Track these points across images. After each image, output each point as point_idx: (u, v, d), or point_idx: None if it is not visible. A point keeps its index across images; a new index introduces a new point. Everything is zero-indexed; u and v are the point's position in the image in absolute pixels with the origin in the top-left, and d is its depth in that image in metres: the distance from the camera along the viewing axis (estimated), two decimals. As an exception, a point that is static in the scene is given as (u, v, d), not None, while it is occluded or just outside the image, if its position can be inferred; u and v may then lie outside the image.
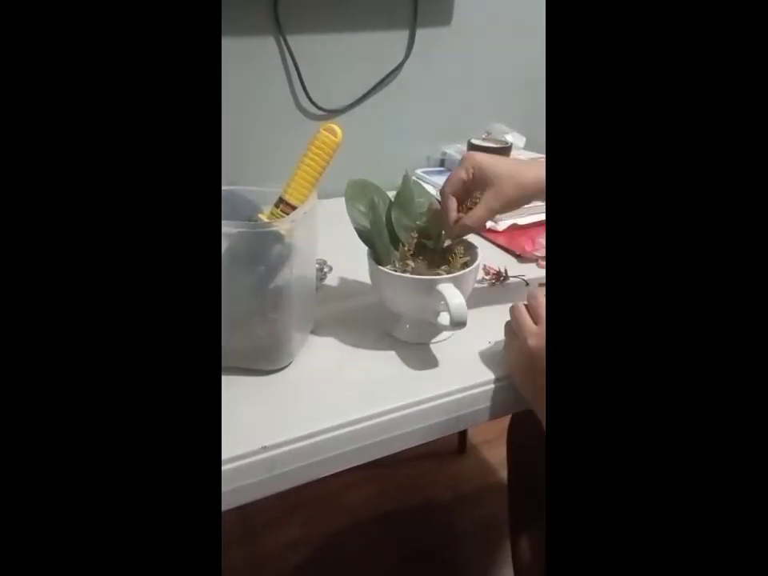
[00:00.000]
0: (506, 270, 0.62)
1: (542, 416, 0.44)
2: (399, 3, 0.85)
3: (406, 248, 0.48)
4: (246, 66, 0.79)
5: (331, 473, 0.43)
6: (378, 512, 1.14)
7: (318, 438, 0.41)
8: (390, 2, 0.84)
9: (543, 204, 0.79)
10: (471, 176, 0.50)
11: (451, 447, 1.29)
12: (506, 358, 0.47)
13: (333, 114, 0.87)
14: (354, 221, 0.49)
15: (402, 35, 0.88)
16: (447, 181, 0.51)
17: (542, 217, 0.78)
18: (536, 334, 0.43)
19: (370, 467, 1.29)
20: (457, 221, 0.50)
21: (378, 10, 0.84)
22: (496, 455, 1.27)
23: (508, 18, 0.94)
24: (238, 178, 0.48)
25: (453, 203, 0.50)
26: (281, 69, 0.82)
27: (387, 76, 0.88)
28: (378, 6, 0.84)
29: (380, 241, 0.48)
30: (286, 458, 0.40)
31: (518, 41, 0.97)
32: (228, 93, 0.75)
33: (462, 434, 1.28)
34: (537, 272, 0.65)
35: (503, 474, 0.83)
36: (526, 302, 0.46)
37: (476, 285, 0.51)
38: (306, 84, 0.83)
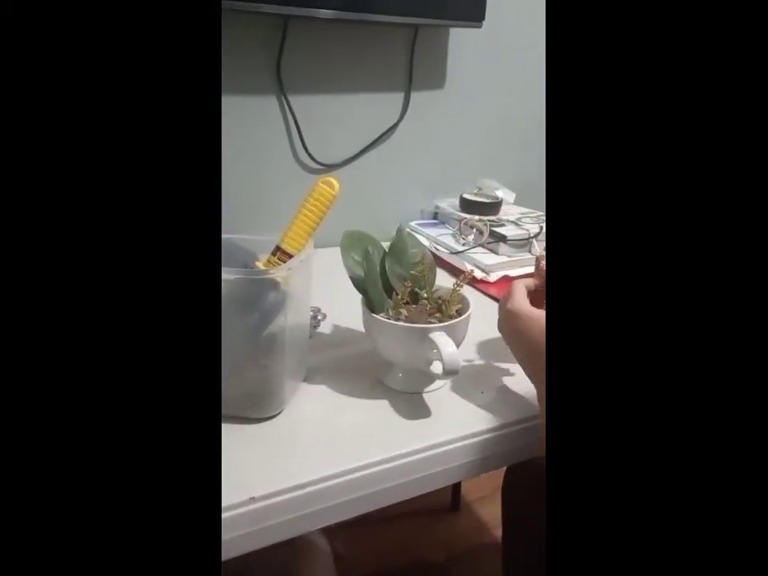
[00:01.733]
0: None
1: (533, 380, 0.47)
2: (396, 68, 0.90)
3: (399, 296, 0.49)
4: (250, 122, 0.83)
5: (321, 526, 0.42)
6: (368, 572, 1.09)
7: (308, 489, 0.40)
8: (387, 67, 0.89)
9: (532, 257, 0.81)
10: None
11: (445, 504, 1.25)
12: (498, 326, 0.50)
13: (330, 168, 0.90)
14: (348, 269, 0.50)
15: (398, 97, 0.92)
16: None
17: (532, 269, 0.80)
18: (518, 297, 0.47)
19: (359, 525, 1.24)
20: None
21: (376, 74, 0.89)
22: (491, 513, 1.23)
23: (499, 83, 1.00)
24: (239, 227, 0.50)
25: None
26: (282, 125, 0.85)
27: (383, 134, 0.93)
28: (375, 70, 0.89)
29: (374, 289, 0.49)
30: (275, 510, 0.39)
31: (508, 104, 1.03)
32: (231, 146, 0.79)
33: (456, 491, 1.25)
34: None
35: (498, 532, 0.80)
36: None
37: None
38: (306, 140, 0.86)
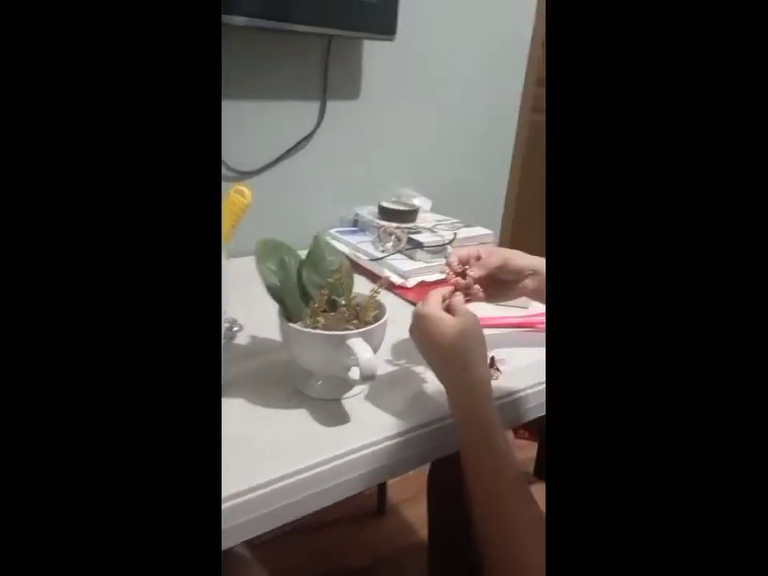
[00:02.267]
0: None
1: (442, 382, 0.48)
2: (311, 77, 0.91)
3: (316, 304, 0.49)
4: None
5: (242, 541, 0.41)
6: (295, 586, 1.07)
7: (227, 504, 0.39)
8: (302, 76, 0.90)
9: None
10: (499, 266, 0.57)
11: (371, 508, 1.26)
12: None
13: (245, 175, 0.89)
14: (264, 279, 0.50)
15: (314, 106, 0.93)
16: (463, 248, 0.58)
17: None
18: (432, 303, 0.49)
19: (282, 537, 1.22)
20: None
21: (291, 83, 0.89)
22: (417, 513, 1.25)
23: (412, 94, 1.04)
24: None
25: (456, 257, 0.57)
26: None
27: (299, 143, 0.93)
28: (290, 79, 0.89)
29: (290, 298, 0.49)
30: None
31: (422, 114, 1.07)
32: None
33: (382, 494, 1.26)
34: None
35: (424, 532, 0.83)
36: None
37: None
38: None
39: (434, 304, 0.49)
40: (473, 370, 0.46)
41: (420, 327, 0.49)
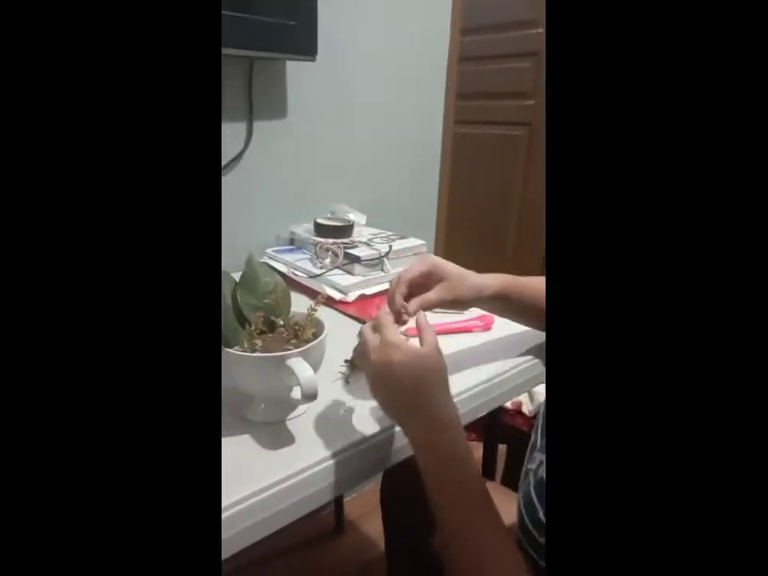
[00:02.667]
0: None
1: (403, 428, 0.45)
2: (236, 98, 0.90)
3: (252, 327, 0.49)
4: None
5: None
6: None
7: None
8: (228, 98, 0.89)
9: (385, 275, 0.86)
10: (426, 272, 0.55)
11: (329, 528, 1.25)
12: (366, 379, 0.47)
13: (174, 200, 0.87)
14: (197, 306, 0.49)
15: (241, 127, 0.92)
16: (406, 270, 0.56)
17: (385, 286, 0.85)
18: (377, 347, 0.44)
19: (239, 571, 1.18)
20: (402, 307, 0.53)
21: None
22: (375, 527, 1.25)
23: (338, 112, 1.05)
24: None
25: (402, 288, 0.54)
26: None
27: (228, 164, 0.92)
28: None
29: (225, 323, 0.49)
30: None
31: (349, 131, 1.09)
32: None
33: (339, 512, 1.25)
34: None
35: (383, 544, 0.83)
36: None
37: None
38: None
39: (395, 341, 0.45)
40: (442, 407, 0.44)
41: (384, 376, 0.44)
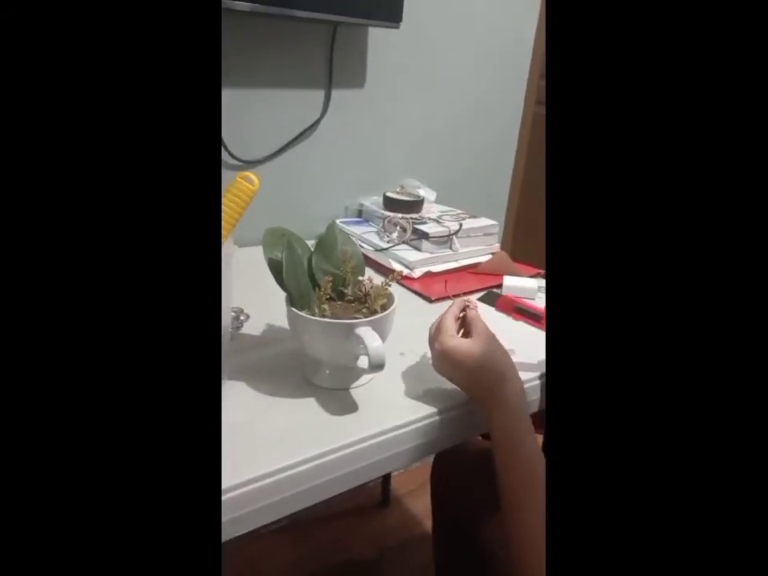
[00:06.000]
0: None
1: (474, 404, 0.49)
2: (316, 65, 0.90)
3: (321, 292, 0.48)
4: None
5: (249, 530, 0.41)
6: (300, 574, 1.07)
7: (230, 495, 0.39)
8: (307, 64, 0.89)
9: (453, 253, 0.84)
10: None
11: (374, 500, 1.27)
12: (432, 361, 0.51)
13: (250, 165, 0.88)
14: (271, 267, 0.49)
15: (319, 94, 0.92)
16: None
17: (452, 265, 0.82)
18: (450, 335, 0.48)
19: (287, 530, 1.22)
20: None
21: (295, 70, 0.88)
22: (420, 505, 1.25)
23: (418, 83, 1.02)
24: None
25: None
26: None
27: (304, 132, 0.92)
28: (295, 66, 0.88)
29: (297, 286, 0.49)
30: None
31: (427, 104, 1.06)
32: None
33: (386, 487, 1.26)
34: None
35: (428, 523, 0.83)
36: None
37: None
38: (224, 135, 0.83)
39: (449, 335, 0.48)
40: (505, 385, 0.46)
41: (443, 360, 0.48)
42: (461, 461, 0.75)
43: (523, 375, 0.55)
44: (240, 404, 0.48)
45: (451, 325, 0.49)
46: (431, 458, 0.81)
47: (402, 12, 0.85)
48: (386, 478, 1.25)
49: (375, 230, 0.91)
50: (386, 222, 0.88)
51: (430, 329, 0.51)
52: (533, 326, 0.64)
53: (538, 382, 0.57)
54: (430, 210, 0.95)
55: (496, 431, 0.46)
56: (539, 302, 0.72)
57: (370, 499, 1.26)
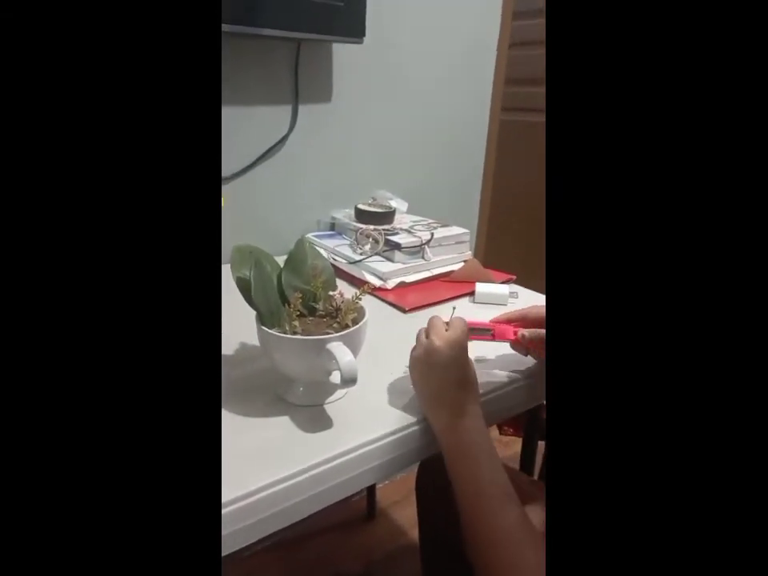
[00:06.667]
0: None
1: (428, 419, 0.49)
2: (282, 81, 0.90)
3: (291, 308, 0.48)
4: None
5: (229, 552, 0.40)
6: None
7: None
8: (273, 80, 0.89)
9: (425, 263, 0.84)
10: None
11: (360, 514, 1.26)
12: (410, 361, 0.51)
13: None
14: (239, 286, 0.49)
15: (286, 110, 0.92)
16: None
17: (425, 275, 0.83)
18: (445, 336, 0.47)
19: (273, 549, 1.20)
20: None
21: (262, 87, 0.88)
22: (406, 515, 1.25)
23: (383, 97, 1.04)
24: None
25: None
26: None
27: (272, 148, 0.92)
28: (261, 83, 0.88)
29: (268, 304, 0.49)
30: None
31: (394, 116, 1.07)
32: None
33: (371, 499, 1.26)
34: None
35: (415, 533, 0.82)
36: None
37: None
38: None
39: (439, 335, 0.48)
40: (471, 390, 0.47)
41: (426, 358, 0.48)
42: (445, 471, 0.74)
43: (501, 380, 0.56)
44: (213, 426, 0.47)
45: (442, 325, 0.50)
46: (416, 467, 0.81)
47: (364, 28, 0.86)
48: (371, 491, 1.25)
49: (348, 242, 0.91)
50: (358, 234, 0.88)
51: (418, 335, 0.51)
52: (488, 340, 0.63)
53: (523, 383, 0.57)
54: (402, 220, 0.96)
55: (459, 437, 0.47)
56: (498, 311, 0.73)
57: (355, 512, 1.25)
